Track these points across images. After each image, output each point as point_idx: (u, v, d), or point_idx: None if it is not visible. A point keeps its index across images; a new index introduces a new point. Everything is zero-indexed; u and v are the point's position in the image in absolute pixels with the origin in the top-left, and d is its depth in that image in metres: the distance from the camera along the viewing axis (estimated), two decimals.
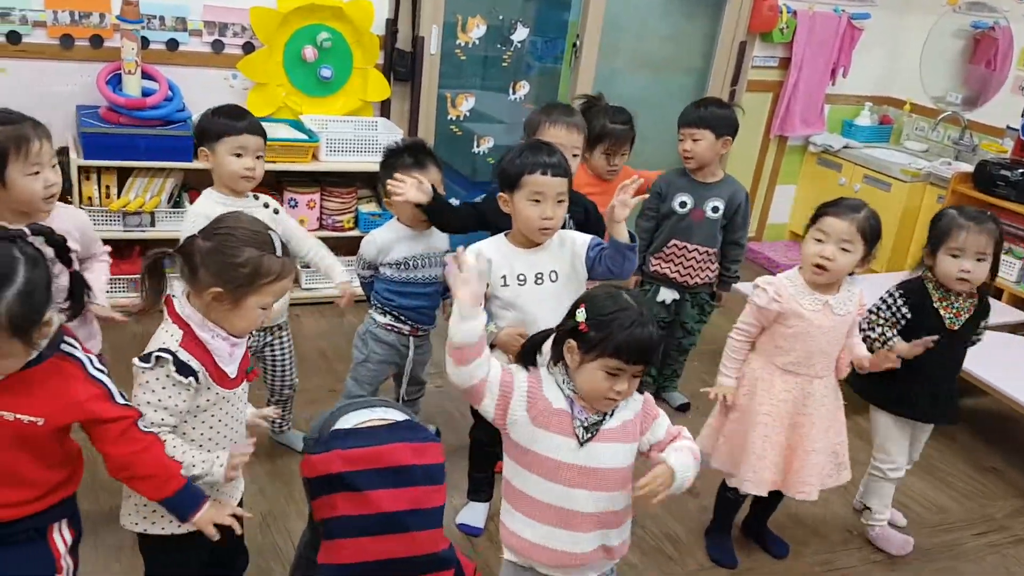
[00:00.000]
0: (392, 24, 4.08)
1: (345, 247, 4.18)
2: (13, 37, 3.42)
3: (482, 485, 2.71)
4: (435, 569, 1.66)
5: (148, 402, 1.71)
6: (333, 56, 3.95)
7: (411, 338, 2.72)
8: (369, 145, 3.97)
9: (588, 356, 1.76)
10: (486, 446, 2.64)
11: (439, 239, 2.69)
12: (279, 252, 1.77)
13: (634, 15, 4.83)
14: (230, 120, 2.50)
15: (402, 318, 2.69)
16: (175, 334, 1.74)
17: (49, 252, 1.54)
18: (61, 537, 1.71)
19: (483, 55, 4.58)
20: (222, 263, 1.71)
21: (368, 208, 4.10)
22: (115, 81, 3.50)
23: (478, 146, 4.70)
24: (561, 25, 5.00)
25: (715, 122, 3.12)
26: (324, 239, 3.70)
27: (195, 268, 1.73)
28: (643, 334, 1.74)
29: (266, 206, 2.67)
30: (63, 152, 3.53)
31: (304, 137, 3.84)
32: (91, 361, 1.61)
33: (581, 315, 1.78)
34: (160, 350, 1.71)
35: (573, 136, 2.65)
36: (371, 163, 3.96)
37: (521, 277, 2.32)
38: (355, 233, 4.08)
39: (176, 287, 1.81)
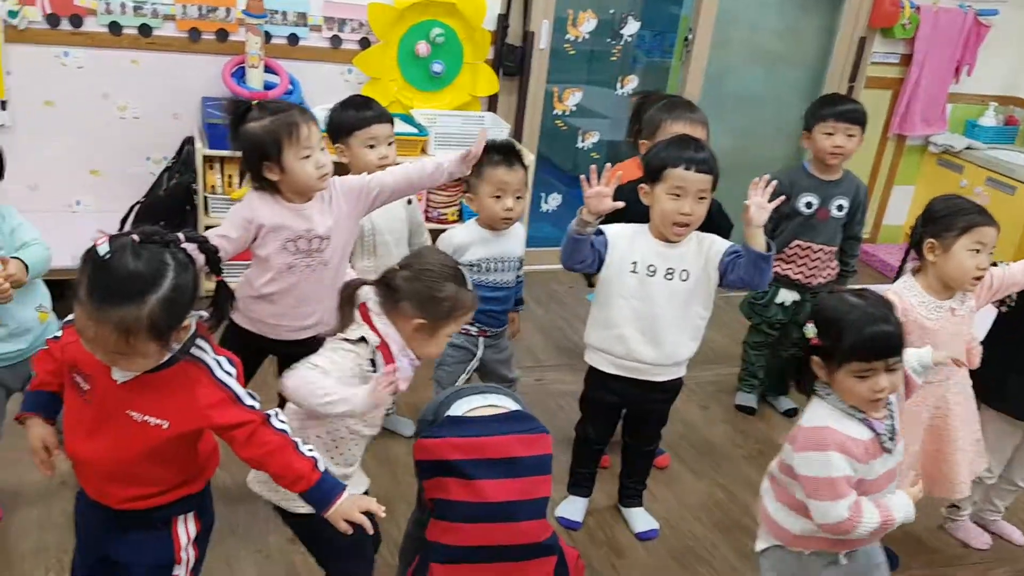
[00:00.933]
0: (503, 19, 4.11)
1: None
2: (145, 30, 3.60)
3: (584, 480, 2.72)
4: (538, 556, 1.69)
5: (319, 365, 1.78)
6: (445, 51, 4.01)
7: (480, 339, 2.67)
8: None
9: (833, 366, 1.81)
10: (593, 443, 2.64)
11: (515, 244, 2.65)
12: (469, 286, 1.88)
13: (748, 8, 4.72)
14: (357, 112, 2.56)
15: (470, 321, 2.64)
16: (373, 340, 1.83)
17: (200, 259, 1.58)
18: (185, 529, 1.75)
19: (592, 49, 4.57)
20: (427, 297, 1.82)
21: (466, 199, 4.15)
22: (239, 74, 3.64)
23: (582, 141, 4.70)
24: (672, 19, 4.94)
25: (865, 119, 3.07)
26: (432, 231, 3.81)
27: (398, 299, 1.83)
28: (876, 330, 1.77)
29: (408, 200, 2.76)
30: (189, 142, 3.71)
31: (414, 131, 3.91)
32: (219, 364, 1.60)
33: (811, 331, 1.84)
34: (364, 338, 1.82)
35: (698, 131, 2.61)
36: None
37: (651, 268, 2.31)
38: (460, 226, 4.13)
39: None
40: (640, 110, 2.88)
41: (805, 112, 3.19)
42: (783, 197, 2.31)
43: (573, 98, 4.53)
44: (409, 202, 2.78)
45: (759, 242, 2.21)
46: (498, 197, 2.51)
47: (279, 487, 1.80)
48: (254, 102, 2.29)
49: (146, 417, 1.57)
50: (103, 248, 1.44)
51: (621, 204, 2.24)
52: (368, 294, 1.88)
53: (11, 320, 2.25)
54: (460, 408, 1.67)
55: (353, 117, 2.56)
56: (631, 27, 4.51)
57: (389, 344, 1.84)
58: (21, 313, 2.27)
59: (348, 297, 1.87)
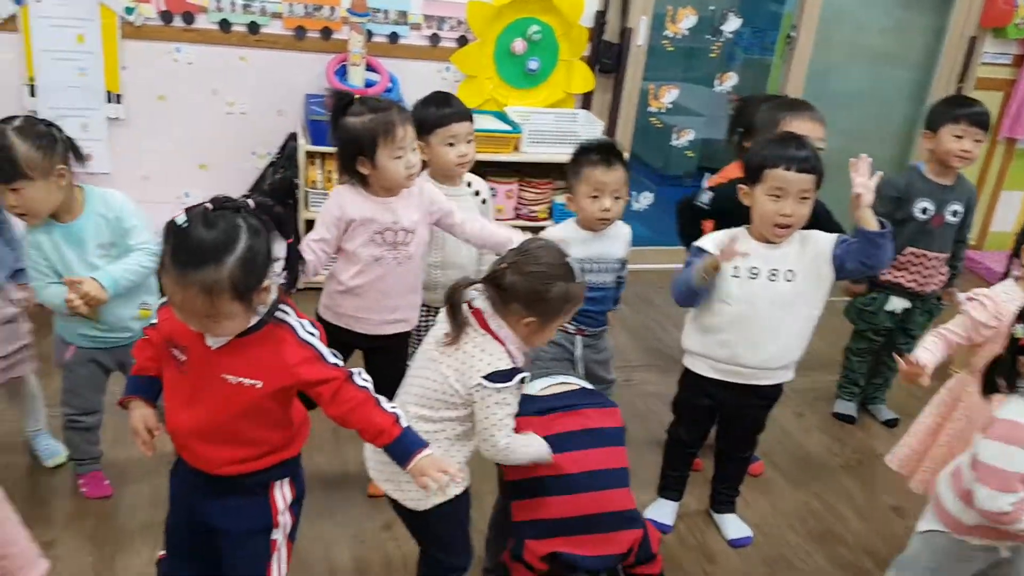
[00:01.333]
0: (601, 16, 4.10)
1: None
2: (253, 28, 3.71)
3: (676, 484, 2.68)
4: (626, 527, 1.70)
5: (508, 414, 1.83)
6: (541, 48, 4.02)
7: (576, 337, 2.63)
8: (569, 137, 4.01)
9: None
10: (686, 446, 2.61)
11: (615, 246, 2.60)
12: (578, 278, 1.89)
13: (853, 6, 4.60)
14: (438, 109, 2.57)
15: None
16: (499, 350, 1.86)
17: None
18: (282, 494, 1.81)
19: (690, 46, 4.51)
20: (536, 298, 1.84)
21: (563, 200, 4.14)
22: (342, 72, 3.73)
23: (677, 139, 4.64)
24: (774, 16, 4.84)
25: (989, 125, 2.98)
26: (519, 228, 3.82)
27: (507, 300, 1.86)
28: None
29: (476, 194, 2.76)
30: (292, 138, 3.81)
31: (508, 128, 3.93)
32: (302, 326, 1.67)
33: (1020, 331, 1.83)
34: (515, 370, 1.84)
35: (817, 128, 2.55)
36: (569, 155, 4.00)
37: (753, 270, 2.26)
38: (547, 223, 4.14)
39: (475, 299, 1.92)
40: (743, 112, 2.82)
41: (930, 111, 3.07)
42: (880, 173, 2.23)
43: (669, 95, 4.48)
44: (484, 202, 2.79)
45: (871, 222, 2.15)
46: (595, 197, 2.49)
47: (393, 477, 1.89)
48: (356, 97, 2.36)
49: (240, 379, 1.64)
50: (181, 218, 1.52)
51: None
52: (472, 294, 1.90)
53: (111, 316, 2.36)
54: (533, 388, 1.68)
55: (434, 115, 2.56)
56: (732, 24, 4.43)
57: (509, 348, 1.87)
58: (121, 311, 2.37)
59: (456, 299, 1.88)
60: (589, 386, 1.80)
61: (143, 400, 1.80)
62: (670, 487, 2.69)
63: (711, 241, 2.29)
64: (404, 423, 1.69)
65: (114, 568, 2.34)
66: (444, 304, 1.89)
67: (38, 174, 2.17)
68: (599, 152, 2.52)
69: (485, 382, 1.81)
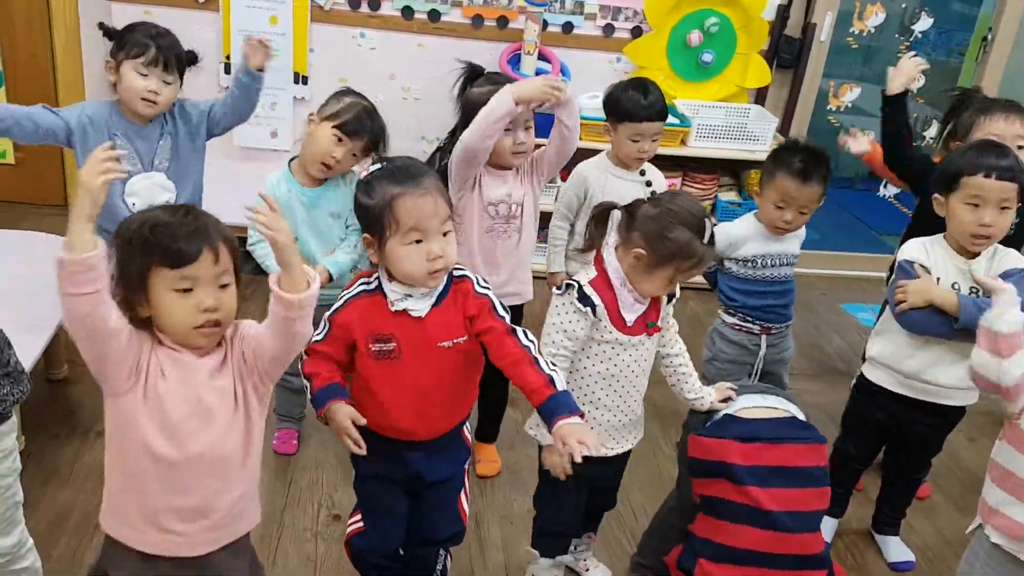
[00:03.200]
0: (784, 10, 3.97)
1: None
2: (433, 15, 3.81)
3: (838, 500, 2.57)
4: (808, 568, 1.64)
5: (553, 323, 1.92)
6: (717, 41, 3.94)
7: (763, 337, 2.58)
8: (739, 132, 3.92)
9: None
10: (854, 462, 2.51)
11: (793, 243, 2.55)
12: (706, 240, 1.85)
13: None
14: (636, 104, 2.55)
15: (749, 318, 2.57)
16: (590, 273, 1.94)
17: None
18: (465, 430, 1.98)
19: (876, 44, 4.30)
20: (656, 233, 1.84)
21: (727, 197, 4.06)
22: (514, 61, 3.78)
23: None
24: (966, 17, 4.54)
25: None
26: None
27: (632, 227, 1.88)
28: None
29: (648, 184, 2.75)
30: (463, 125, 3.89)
31: (675, 121, 3.87)
32: (477, 280, 1.80)
33: None
34: (571, 279, 1.92)
35: (1016, 126, 2.40)
36: (738, 151, 3.93)
37: (955, 286, 2.15)
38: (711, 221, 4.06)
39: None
40: (957, 109, 2.63)
41: None
42: None
43: (850, 94, 4.30)
44: (653, 193, 2.78)
45: None
46: (781, 208, 2.43)
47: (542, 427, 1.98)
48: (486, 71, 2.41)
49: (452, 341, 1.75)
50: (375, 166, 1.76)
51: None
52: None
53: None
54: (738, 404, 1.64)
55: (629, 105, 2.55)
56: (923, 23, 4.20)
57: (610, 276, 1.91)
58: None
59: (601, 216, 1.94)
60: (800, 414, 1.74)
61: (341, 400, 1.79)
62: (832, 503, 2.59)
63: (914, 251, 2.19)
64: (559, 387, 1.70)
65: (282, 520, 2.49)
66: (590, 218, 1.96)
67: None
68: (804, 160, 2.40)
69: (553, 289, 1.86)
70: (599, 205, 1.96)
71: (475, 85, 2.38)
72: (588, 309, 1.89)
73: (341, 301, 1.79)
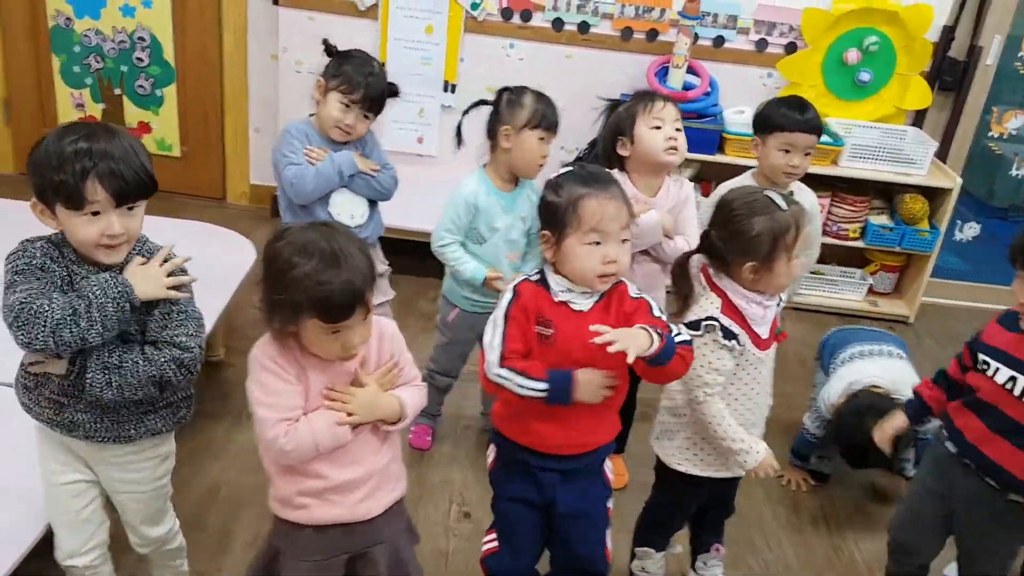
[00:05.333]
0: (949, 31, 3.80)
1: (846, 256, 4.05)
2: (583, 27, 3.84)
3: None
4: None
5: (700, 365, 1.87)
6: (876, 60, 3.80)
7: None
8: (894, 155, 3.77)
9: None
10: None
11: None
12: (783, 205, 1.84)
13: None
14: (788, 112, 2.51)
15: None
16: (715, 302, 1.91)
17: None
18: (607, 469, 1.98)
19: None
20: (743, 242, 1.84)
21: (879, 220, 3.90)
22: (662, 73, 3.76)
23: (1016, 169, 4.20)
24: None
25: None
26: (826, 246, 3.65)
27: (722, 255, 1.89)
28: None
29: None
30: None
31: (829, 140, 3.76)
32: (631, 285, 1.81)
33: None
34: (707, 318, 1.88)
35: None
36: (892, 174, 3.77)
37: None
38: (858, 244, 3.92)
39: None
40: None
41: None
42: None
43: (1014, 121, 4.06)
44: None
45: None
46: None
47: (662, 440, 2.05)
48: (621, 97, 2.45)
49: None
50: (566, 168, 1.82)
51: None
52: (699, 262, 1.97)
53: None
54: None
55: (780, 117, 2.51)
56: None
57: (732, 299, 1.89)
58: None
59: (682, 269, 1.93)
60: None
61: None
62: None
63: None
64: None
65: (416, 513, 2.54)
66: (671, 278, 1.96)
67: None
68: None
69: (683, 327, 1.81)
70: (675, 261, 1.96)
71: (621, 104, 2.42)
72: (733, 342, 1.88)
73: (510, 292, 1.79)
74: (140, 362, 1.57)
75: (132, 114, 4.14)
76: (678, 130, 2.34)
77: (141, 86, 4.08)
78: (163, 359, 1.58)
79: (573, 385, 1.72)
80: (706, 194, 3.90)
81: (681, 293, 1.95)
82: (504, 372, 1.72)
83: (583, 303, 1.76)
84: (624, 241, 1.74)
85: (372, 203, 2.71)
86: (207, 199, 4.28)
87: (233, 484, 2.54)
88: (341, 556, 1.70)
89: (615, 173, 2.34)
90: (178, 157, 4.24)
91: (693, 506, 2.19)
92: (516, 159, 2.46)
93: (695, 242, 2.33)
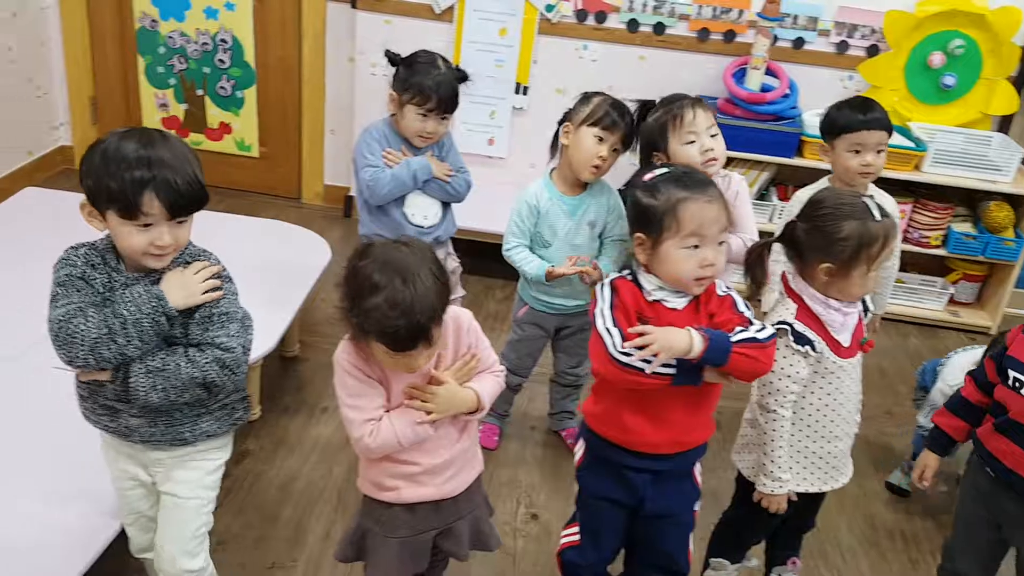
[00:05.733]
0: None
1: (927, 264, 3.94)
2: (659, 28, 3.81)
3: None
4: None
5: (774, 371, 1.83)
6: (961, 64, 3.69)
7: None
8: (979, 161, 3.65)
9: None
10: None
11: None
12: (878, 216, 1.79)
13: None
14: (851, 113, 2.44)
15: None
16: (791, 308, 1.88)
17: None
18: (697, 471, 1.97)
19: None
20: (826, 240, 1.80)
21: (962, 228, 3.78)
22: (739, 75, 3.70)
23: None
24: None
25: None
26: (906, 253, 3.55)
27: (801, 251, 1.85)
28: None
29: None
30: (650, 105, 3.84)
31: (911, 145, 3.66)
32: (719, 283, 1.79)
33: None
34: (779, 323, 1.85)
35: None
36: (977, 180, 3.66)
37: None
38: (940, 252, 3.80)
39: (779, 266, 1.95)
40: None
41: None
42: None
43: None
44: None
45: None
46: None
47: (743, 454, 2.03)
48: (655, 101, 2.35)
49: None
50: (660, 170, 1.78)
51: None
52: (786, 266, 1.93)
53: (574, 282, 2.52)
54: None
55: (845, 118, 2.44)
56: None
57: (809, 304, 1.85)
58: (577, 283, 2.53)
59: (758, 258, 1.88)
60: None
61: None
62: None
63: None
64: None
65: None
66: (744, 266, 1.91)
67: None
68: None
69: (766, 325, 1.77)
70: (752, 248, 1.90)
71: (650, 114, 2.33)
72: (807, 347, 1.84)
73: (608, 287, 1.77)
74: (183, 364, 1.58)
75: (213, 115, 4.26)
76: (713, 136, 2.26)
77: (222, 87, 4.19)
78: (205, 360, 1.59)
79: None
80: (783, 198, 3.83)
81: (756, 281, 1.90)
82: (631, 350, 1.66)
83: (676, 302, 1.75)
84: (721, 243, 1.72)
85: (446, 204, 2.74)
86: (284, 198, 4.37)
87: (308, 478, 2.59)
88: (429, 532, 1.79)
89: None
90: (256, 157, 4.34)
91: (775, 522, 2.13)
92: (572, 156, 2.42)
93: (754, 237, 2.31)
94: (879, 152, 2.44)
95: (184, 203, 1.53)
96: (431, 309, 1.51)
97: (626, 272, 1.81)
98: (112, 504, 1.91)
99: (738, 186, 2.40)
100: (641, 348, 1.63)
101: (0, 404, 2.20)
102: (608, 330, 1.70)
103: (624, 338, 1.67)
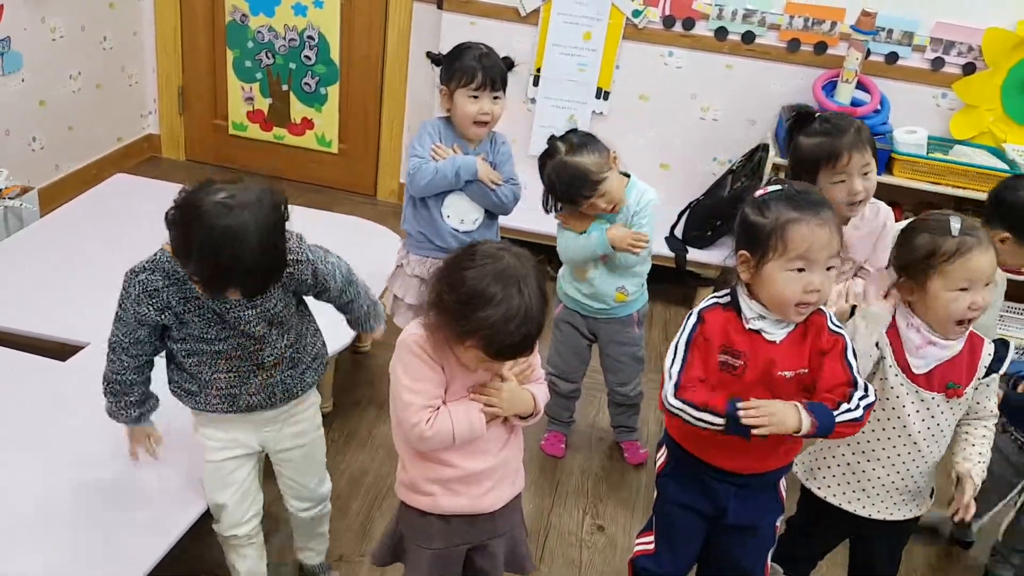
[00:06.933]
0: None
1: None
2: (748, 37, 3.73)
3: None
4: None
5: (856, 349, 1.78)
6: None
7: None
8: None
9: None
10: None
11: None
12: (954, 232, 1.74)
13: None
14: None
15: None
16: (888, 316, 1.86)
17: None
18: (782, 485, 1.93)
19: None
20: (904, 255, 1.81)
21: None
22: (829, 88, 3.61)
23: None
24: None
25: None
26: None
27: (895, 272, 1.85)
28: None
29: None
30: (763, 149, 3.78)
31: (1004, 167, 3.52)
32: (830, 317, 1.72)
33: None
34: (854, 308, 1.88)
35: None
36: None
37: None
38: None
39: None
40: None
41: None
42: None
43: None
44: None
45: None
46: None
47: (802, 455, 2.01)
48: (817, 114, 2.27)
49: (794, 372, 1.68)
50: (774, 186, 1.72)
51: None
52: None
53: (597, 283, 2.53)
54: None
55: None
56: None
57: (896, 317, 1.84)
58: (604, 284, 2.53)
59: None
60: None
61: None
62: None
63: None
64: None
65: (548, 521, 2.54)
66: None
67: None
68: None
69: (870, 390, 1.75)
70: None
71: (806, 132, 2.20)
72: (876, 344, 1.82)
73: (695, 316, 1.74)
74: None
75: (297, 110, 4.32)
76: (866, 174, 2.15)
77: (307, 83, 4.25)
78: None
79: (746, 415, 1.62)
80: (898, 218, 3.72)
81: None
82: (678, 404, 1.66)
83: (776, 333, 1.69)
84: (830, 269, 1.65)
85: (492, 214, 2.66)
86: (360, 195, 4.42)
87: (377, 472, 2.60)
88: (462, 547, 1.75)
89: None
90: (336, 154, 4.39)
91: (828, 540, 2.11)
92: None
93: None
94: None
95: (260, 287, 1.65)
96: (540, 318, 1.50)
97: (724, 295, 1.75)
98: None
99: (885, 216, 2.30)
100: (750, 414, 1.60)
101: (89, 387, 2.25)
102: (669, 372, 1.69)
103: (680, 386, 1.67)
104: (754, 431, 1.58)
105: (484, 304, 1.46)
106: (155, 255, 1.67)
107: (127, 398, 1.81)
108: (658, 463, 1.97)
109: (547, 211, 2.49)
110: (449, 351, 1.58)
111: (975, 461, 1.86)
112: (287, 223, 1.64)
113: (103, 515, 1.88)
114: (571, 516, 2.57)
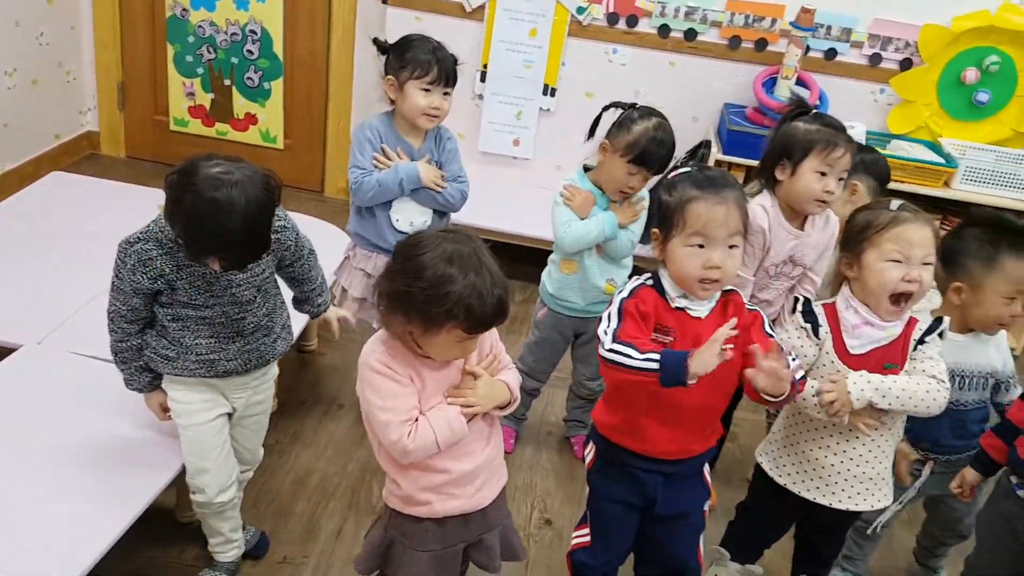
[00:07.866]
0: None
1: None
2: (690, 34, 3.78)
3: None
4: None
5: (781, 339, 1.84)
6: (996, 81, 3.64)
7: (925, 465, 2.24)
8: (1011, 180, 3.60)
9: None
10: None
11: (988, 355, 2.13)
12: (892, 208, 1.83)
13: None
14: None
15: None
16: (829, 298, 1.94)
17: None
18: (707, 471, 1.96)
19: None
20: (847, 232, 1.91)
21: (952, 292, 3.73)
22: (769, 84, 3.67)
23: None
24: None
25: None
26: None
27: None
28: None
29: None
30: (705, 145, 3.81)
31: (940, 161, 3.62)
32: (743, 297, 1.81)
33: None
34: (805, 299, 1.92)
35: None
36: (1008, 199, 3.60)
37: None
38: None
39: None
40: None
41: None
42: None
43: None
44: None
45: None
46: (1011, 299, 2.00)
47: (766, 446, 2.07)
48: (814, 110, 2.31)
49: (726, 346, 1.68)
50: (685, 169, 1.80)
51: None
52: None
53: (588, 274, 2.53)
54: None
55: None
56: None
57: (837, 298, 1.93)
58: (594, 276, 2.53)
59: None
60: None
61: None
62: None
63: None
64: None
65: None
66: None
67: None
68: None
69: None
70: None
71: (805, 120, 2.23)
72: (809, 326, 1.87)
73: (628, 291, 1.76)
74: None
75: (240, 105, 4.26)
76: (840, 179, 2.19)
77: (250, 78, 4.20)
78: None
79: (688, 358, 1.60)
80: None
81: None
82: (617, 346, 1.65)
83: (700, 309, 1.75)
84: (732, 247, 1.70)
85: (441, 212, 2.63)
86: (306, 191, 4.37)
87: (322, 473, 2.58)
88: (459, 545, 1.78)
89: (763, 194, 2.29)
90: (281, 149, 4.34)
91: (780, 525, 2.14)
92: (602, 176, 2.45)
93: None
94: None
95: (250, 259, 1.77)
96: (505, 281, 1.54)
97: (648, 277, 1.79)
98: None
99: (834, 228, 2.32)
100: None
101: (24, 389, 2.20)
102: (605, 331, 1.69)
103: (615, 338, 1.67)
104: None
105: (451, 281, 1.48)
106: (148, 225, 1.76)
107: (136, 363, 1.89)
108: (587, 460, 1.99)
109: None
110: (414, 356, 1.59)
111: (868, 380, 1.81)
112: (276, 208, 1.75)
113: (39, 515, 1.84)
114: (519, 511, 2.57)
